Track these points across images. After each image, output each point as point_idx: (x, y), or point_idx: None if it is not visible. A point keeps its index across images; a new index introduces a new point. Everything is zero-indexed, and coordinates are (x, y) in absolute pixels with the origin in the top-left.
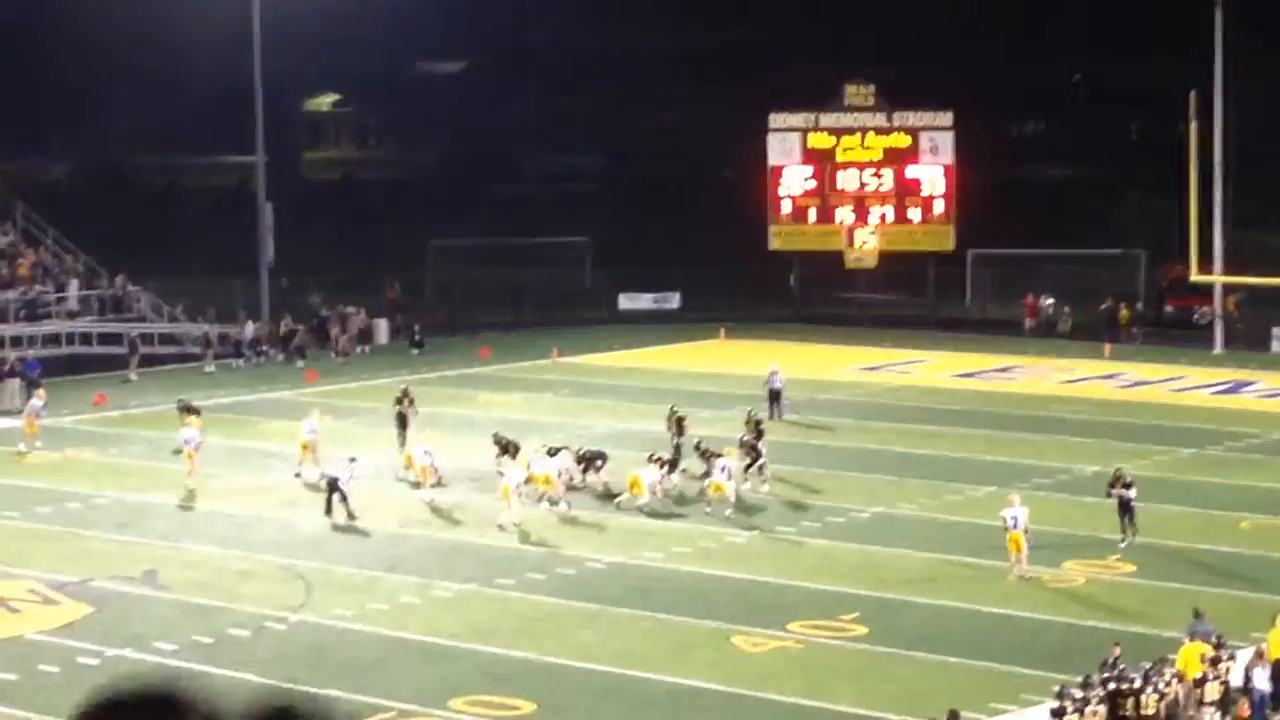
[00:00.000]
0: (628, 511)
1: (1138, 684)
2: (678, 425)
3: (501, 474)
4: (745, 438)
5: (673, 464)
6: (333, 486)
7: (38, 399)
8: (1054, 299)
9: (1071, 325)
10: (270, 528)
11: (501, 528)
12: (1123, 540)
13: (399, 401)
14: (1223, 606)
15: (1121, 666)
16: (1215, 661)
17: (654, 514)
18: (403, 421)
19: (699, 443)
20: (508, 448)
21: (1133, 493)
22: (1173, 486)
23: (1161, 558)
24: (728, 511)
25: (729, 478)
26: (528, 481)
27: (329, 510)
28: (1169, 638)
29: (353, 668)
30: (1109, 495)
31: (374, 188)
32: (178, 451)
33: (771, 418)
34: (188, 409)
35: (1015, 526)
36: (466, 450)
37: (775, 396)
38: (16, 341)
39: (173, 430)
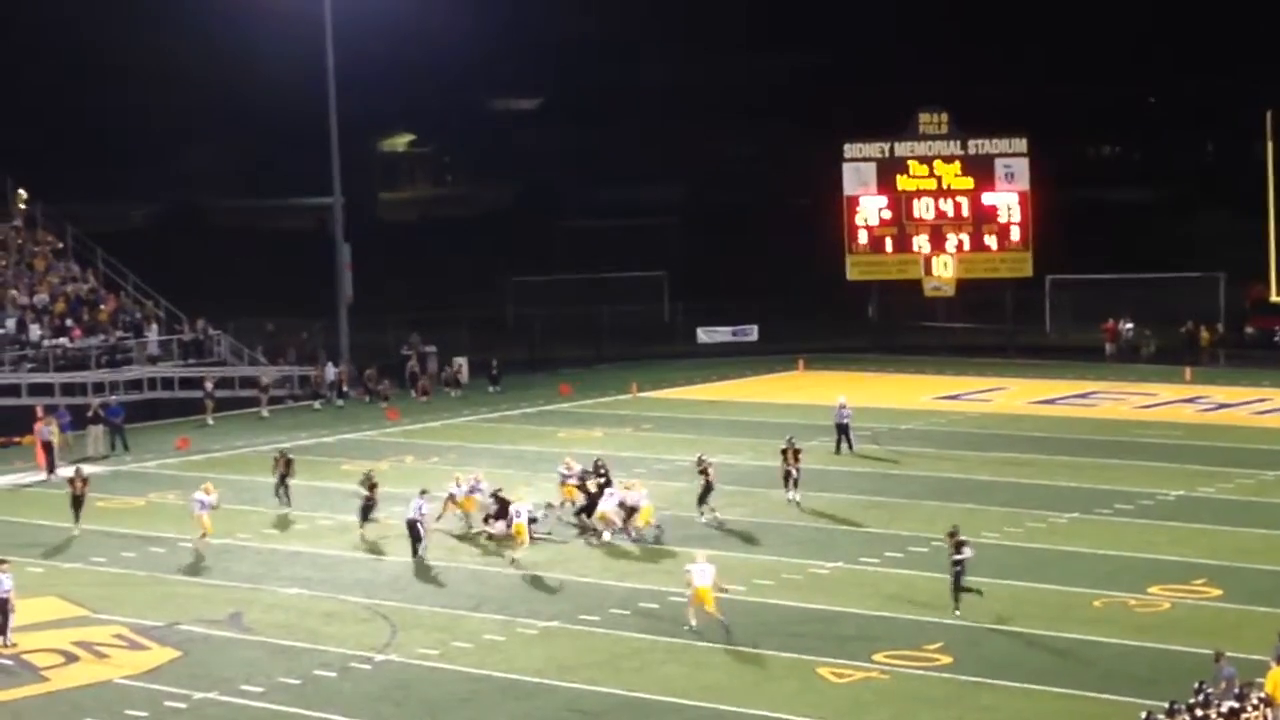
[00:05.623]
0: (707, 545)
1: (1224, 708)
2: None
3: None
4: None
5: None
6: (412, 527)
7: (205, 494)
8: (1133, 323)
9: (1155, 348)
10: (354, 568)
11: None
12: (957, 609)
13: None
14: None
15: (1209, 691)
16: None
17: (734, 548)
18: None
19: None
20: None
21: (967, 553)
22: (1257, 509)
23: (1248, 580)
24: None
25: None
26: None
27: (416, 552)
28: (1257, 660)
29: (439, 706)
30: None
31: (451, 226)
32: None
33: (838, 452)
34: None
35: (702, 582)
36: (548, 487)
37: (843, 430)
38: (99, 388)
39: (254, 474)
